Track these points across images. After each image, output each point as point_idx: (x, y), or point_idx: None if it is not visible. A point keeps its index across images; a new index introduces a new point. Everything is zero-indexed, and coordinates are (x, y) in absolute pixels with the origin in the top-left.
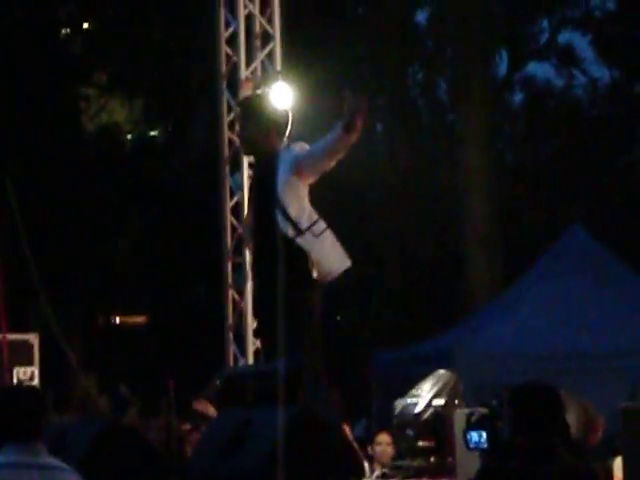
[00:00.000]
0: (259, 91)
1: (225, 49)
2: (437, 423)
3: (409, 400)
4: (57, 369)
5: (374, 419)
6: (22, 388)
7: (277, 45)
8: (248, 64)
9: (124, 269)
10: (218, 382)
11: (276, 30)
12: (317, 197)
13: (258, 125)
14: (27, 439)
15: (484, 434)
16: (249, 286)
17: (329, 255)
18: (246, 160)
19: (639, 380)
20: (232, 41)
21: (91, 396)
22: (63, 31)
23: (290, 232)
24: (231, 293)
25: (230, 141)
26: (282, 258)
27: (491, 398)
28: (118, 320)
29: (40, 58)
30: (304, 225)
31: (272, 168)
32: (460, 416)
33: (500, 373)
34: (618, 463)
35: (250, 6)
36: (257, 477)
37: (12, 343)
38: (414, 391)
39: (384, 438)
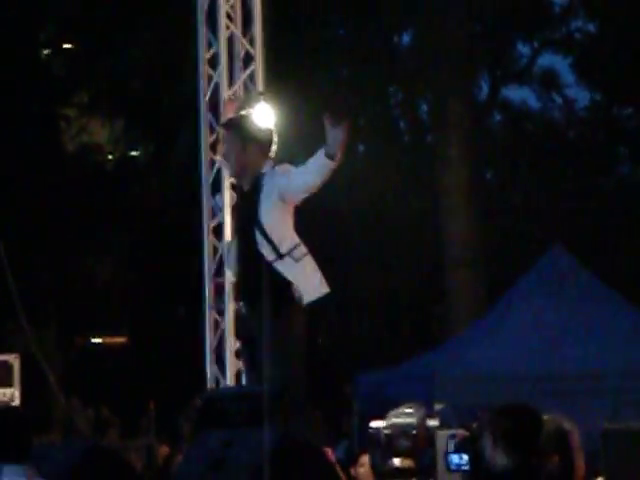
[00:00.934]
0: (243, 112)
1: (207, 70)
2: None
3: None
4: (37, 390)
5: (355, 440)
6: (10, 409)
7: (259, 66)
8: (230, 85)
9: (104, 290)
10: (199, 403)
11: (258, 51)
12: (296, 217)
13: (241, 146)
14: (18, 460)
15: (465, 456)
16: (230, 307)
17: (307, 281)
18: (227, 181)
19: (619, 401)
20: (214, 62)
21: (72, 418)
22: (44, 51)
23: (270, 256)
24: (212, 314)
25: (212, 162)
26: (267, 286)
27: (472, 420)
28: (98, 341)
29: (20, 78)
30: (284, 249)
31: (256, 190)
32: (441, 438)
33: (481, 395)
34: None
35: (232, 27)
36: None
37: None
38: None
39: (367, 459)
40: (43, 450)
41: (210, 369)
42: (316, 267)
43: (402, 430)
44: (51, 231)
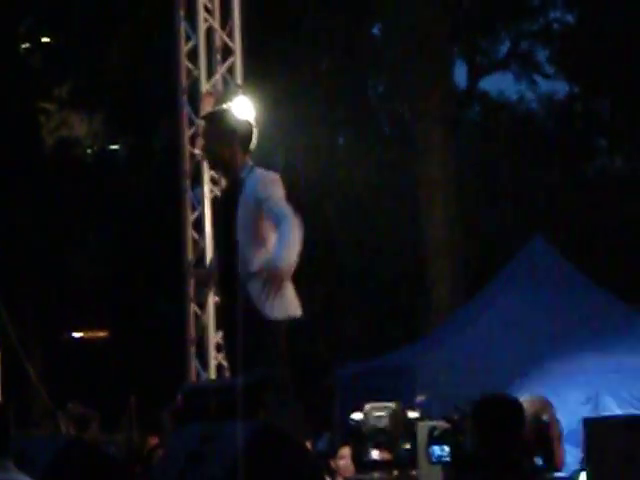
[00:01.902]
0: (225, 106)
1: (185, 63)
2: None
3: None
4: (17, 385)
5: (336, 433)
6: None
7: (238, 59)
8: (209, 78)
9: (85, 284)
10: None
11: (237, 44)
12: None
13: (221, 139)
14: None
15: (446, 448)
16: (211, 300)
17: (274, 303)
18: (207, 174)
19: (599, 392)
20: (192, 55)
21: (53, 412)
22: (22, 45)
23: (242, 272)
24: (192, 307)
25: (191, 155)
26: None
27: (453, 412)
28: (79, 335)
29: None
30: (253, 268)
31: (234, 195)
32: (422, 429)
33: (461, 386)
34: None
35: (210, 20)
36: None
37: None
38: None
39: (347, 452)
40: (24, 444)
41: (191, 362)
42: (288, 290)
43: (376, 423)
44: (31, 225)
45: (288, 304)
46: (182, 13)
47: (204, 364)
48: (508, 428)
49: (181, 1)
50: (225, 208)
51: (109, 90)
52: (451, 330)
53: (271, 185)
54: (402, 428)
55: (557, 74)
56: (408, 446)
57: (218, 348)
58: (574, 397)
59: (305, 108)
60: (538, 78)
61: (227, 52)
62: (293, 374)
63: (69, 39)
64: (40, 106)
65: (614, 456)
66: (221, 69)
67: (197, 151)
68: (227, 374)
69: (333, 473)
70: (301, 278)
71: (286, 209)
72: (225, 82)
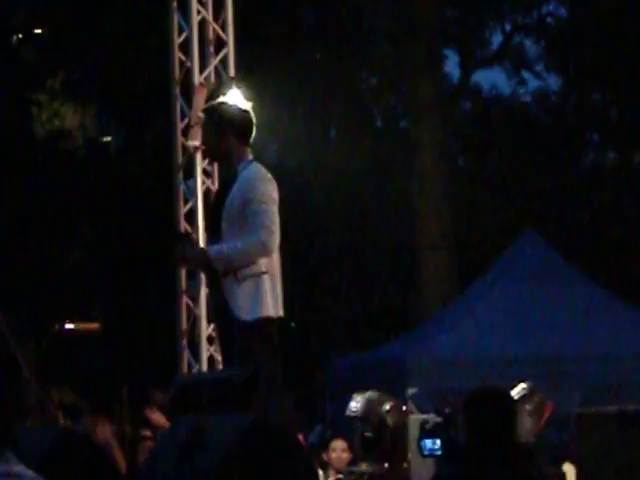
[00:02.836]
0: (221, 98)
1: (178, 55)
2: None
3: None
4: (9, 377)
5: (328, 425)
6: None
7: (231, 51)
8: (201, 70)
9: (77, 275)
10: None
11: (229, 36)
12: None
13: (217, 132)
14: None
15: (438, 441)
16: (203, 292)
17: (242, 304)
18: (200, 166)
19: (590, 385)
20: (185, 47)
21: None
22: (15, 37)
23: (221, 268)
24: (185, 299)
25: (184, 147)
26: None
27: (444, 405)
28: (71, 326)
29: None
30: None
31: (227, 188)
32: (414, 423)
33: (452, 379)
34: (567, 468)
35: (203, 12)
36: None
37: None
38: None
39: (339, 444)
40: (15, 435)
41: (183, 355)
42: (263, 292)
43: (358, 417)
44: (23, 217)
45: (264, 304)
46: (175, 5)
47: (196, 356)
48: (499, 421)
49: None
50: (216, 200)
51: (101, 82)
52: (442, 323)
53: (260, 185)
54: (376, 416)
55: (549, 68)
56: (369, 434)
57: (210, 340)
58: (566, 388)
59: (297, 100)
60: (530, 75)
61: (220, 44)
62: (284, 367)
63: (61, 31)
64: (32, 98)
65: (605, 449)
66: (214, 61)
67: (190, 143)
68: (219, 366)
69: (325, 465)
70: (290, 269)
71: (264, 223)
72: (218, 74)
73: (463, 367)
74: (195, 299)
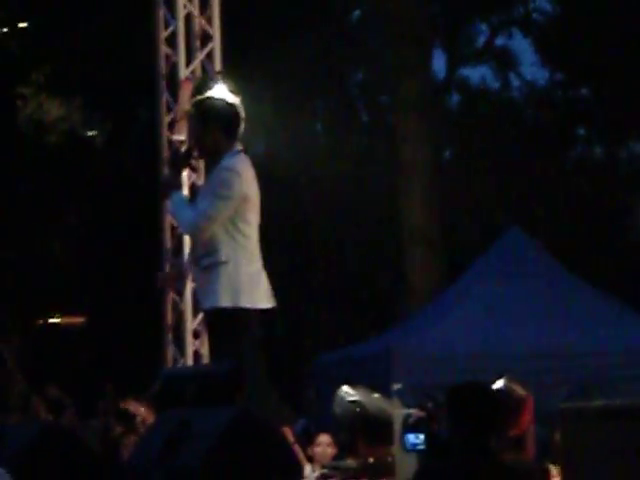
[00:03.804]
0: (210, 93)
1: (164, 49)
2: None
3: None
4: None
5: (313, 420)
6: None
7: (217, 45)
8: (188, 64)
9: (62, 269)
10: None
11: (216, 30)
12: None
13: (203, 127)
14: None
15: (421, 436)
16: (188, 287)
17: (206, 292)
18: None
19: (576, 382)
20: (171, 41)
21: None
22: (0, 30)
23: (190, 255)
24: (170, 294)
25: (169, 141)
26: None
27: (427, 400)
28: (57, 320)
29: None
30: (195, 253)
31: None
32: (397, 417)
33: (437, 375)
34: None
35: (189, 6)
36: (195, 479)
37: None
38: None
39: (324, 439)
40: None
41: (169, 349)
42: (221, 280)
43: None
44: (7, 210)
45: (226, 293)
46: None
47: (181, 350)
48: (481, 416)
49: None
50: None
51: (87, 75)
52: (427, 319)
53: (224, 174)
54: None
55: (536, 63)
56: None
57: (195, 335)
58: (551, 384)
59: (284, 95)
60: (515, 72)
61: (206, 38)
62: (269, 361)
63: (46, 24)
64: (18, 91)
65: (588, 444)
66: (200, 55)
67: (175, 137)
68: (205, 361)
69: (310, 460)
70: (277, 263)
71: (207, 210)
72: (204, 68)
73: (447, 363)
74: (180, 293)
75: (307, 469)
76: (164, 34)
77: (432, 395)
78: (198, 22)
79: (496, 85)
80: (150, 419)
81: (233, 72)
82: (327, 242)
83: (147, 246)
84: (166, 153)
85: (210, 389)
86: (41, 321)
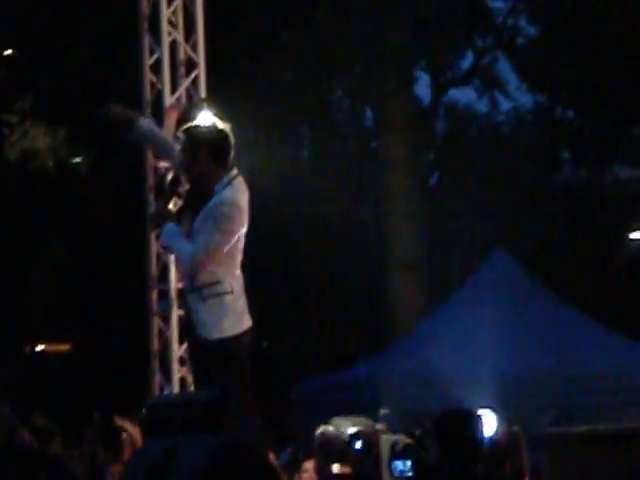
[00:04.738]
0: (198, 120)
1: (149, 76)
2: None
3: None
4: None
5: (300, 446)
6: None
7: (202, 72)
8: (173, 91)
9: (47, 296)
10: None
11: (200, 57)
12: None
13: (191, 156)
14: None
15: (408, 462)
16: (174, 314)
17: (207, 323)
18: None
19: (560, 404)
20: (156, 68)
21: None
22: None
23: (187, 284)
24: (156, 321)
25: (155, 168)
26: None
27: (414, 426)
28: (42, 348)
29: None
30: (196, 283)
31: (201, 205)
32: (385, 443)
33: (422, 400)
34: None
35: (174, 33)
36: None
37: None
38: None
39: (311, 465)
40: None
41: (155, 376)
42: (228, 311)
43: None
44: None
45: (228, 323)
46: (146, 26)
47: (168, 377)
48: (468, 442)
49: (145, 14)
50: (190, 216)
51: (72, 102)
52: (411, 344)
53: (225, 209)
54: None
55: (520, 86)
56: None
57: (181, 362)
58: (538, 409)
59: (269, 121)
60: (501, 95)
61: (191, 65)
62: (254, 388)
63: (32, 52)
64: (3, 119)
65: (575, 470)
66: (185, 82)
67: (161, 164)
68: (191, 388)
69: None
70: (262, 290)
71: (207, 244)
72: (189, 95)
73: (433, 388)
74: (166, 320)
75: None
76: (149, 61)
77: (419, 421)
78: (183, 49)
79: (481, 109)
80: (139, 441)
81: (217, 99)
82: (312, 268)
83: (132, 272)
84: (151, 180)
85: (196, 416)
86: (27, 349)
